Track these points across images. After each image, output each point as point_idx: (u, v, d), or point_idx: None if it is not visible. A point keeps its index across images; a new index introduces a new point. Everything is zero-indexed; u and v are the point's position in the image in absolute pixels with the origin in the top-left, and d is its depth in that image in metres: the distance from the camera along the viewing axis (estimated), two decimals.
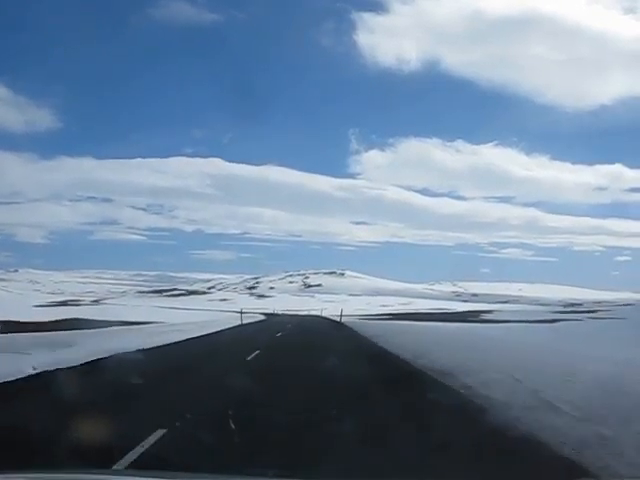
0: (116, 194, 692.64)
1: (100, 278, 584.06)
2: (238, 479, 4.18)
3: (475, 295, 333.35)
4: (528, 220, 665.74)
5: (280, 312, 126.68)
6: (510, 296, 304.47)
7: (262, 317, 74.40)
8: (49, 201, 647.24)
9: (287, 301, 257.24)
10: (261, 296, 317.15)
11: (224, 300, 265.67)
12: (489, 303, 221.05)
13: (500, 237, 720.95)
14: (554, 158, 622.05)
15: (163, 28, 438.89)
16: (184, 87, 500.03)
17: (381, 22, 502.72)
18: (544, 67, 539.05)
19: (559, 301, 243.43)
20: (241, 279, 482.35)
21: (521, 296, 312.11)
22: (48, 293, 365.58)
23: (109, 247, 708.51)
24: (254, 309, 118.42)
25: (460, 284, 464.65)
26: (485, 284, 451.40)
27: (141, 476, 3.77)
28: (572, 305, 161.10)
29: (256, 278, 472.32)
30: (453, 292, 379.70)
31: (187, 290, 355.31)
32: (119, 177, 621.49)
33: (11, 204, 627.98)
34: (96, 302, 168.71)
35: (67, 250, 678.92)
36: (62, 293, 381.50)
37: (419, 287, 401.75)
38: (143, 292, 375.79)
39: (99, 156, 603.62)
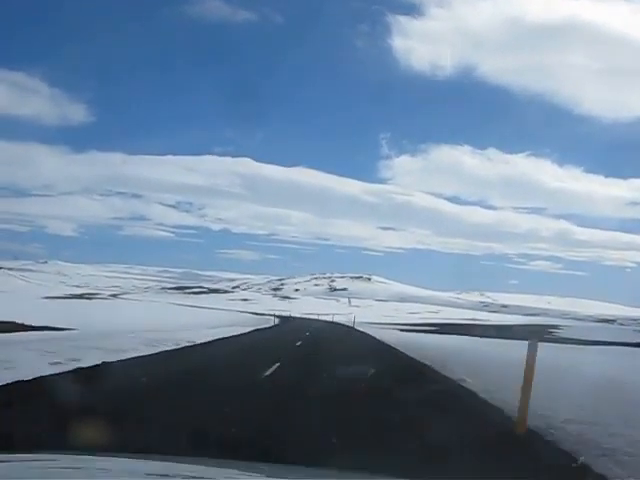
0: (146, 190, 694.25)
1: (127, 273, 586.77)
2: (239, 464, 4.24)
3: (504, 306, 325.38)
4: (558, 232, 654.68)
5: (299, 316, 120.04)
6: (540, 309, 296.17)
7: (269, 324, 58.64)
8: (80, 194, 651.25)
9: (311, 304, 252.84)
10: (285, 297, 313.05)
11: (245, 300, 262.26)
12: (518, 315, 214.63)
13: (529, 249, 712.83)
14: (587, 170, 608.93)
15: (197, 25, 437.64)
16: (216, 85, 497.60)
17: (417, 26, 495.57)
18: (582, 76, 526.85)
19: (590, 316, 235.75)
20: (266, 280, 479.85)
21: (550, 309, 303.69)
22: (73, 286, 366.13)
23: (137, 243, 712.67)
24: (271, 311, 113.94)
25: (488, 294, 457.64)
26: (513, 295, 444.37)
27: (145, 459, 3.63)
28: (607, 321, 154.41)
29: (281, 279, 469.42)
30: (481, 302, 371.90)
31: (209, 288, 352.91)
32: (149, 173, 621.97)
33: (43, 196, 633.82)
34: (114, 296, 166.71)
35: (96, 244, 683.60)
36: (87, 286, 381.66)
37: (446, 295, 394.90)
38: (165, 288, 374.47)
39: (130, 151, 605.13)
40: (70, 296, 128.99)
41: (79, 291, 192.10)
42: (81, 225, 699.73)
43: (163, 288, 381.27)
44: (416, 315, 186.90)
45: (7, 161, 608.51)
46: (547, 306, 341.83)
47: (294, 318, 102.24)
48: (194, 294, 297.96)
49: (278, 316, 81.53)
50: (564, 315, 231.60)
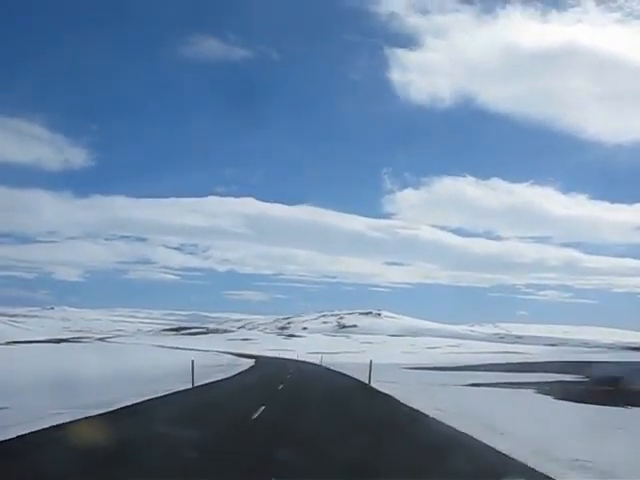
0: (150, 233, 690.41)
1: (134, 317, 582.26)
2: None
3: (519, 337, 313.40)
4: (566, 261, 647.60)
5: (294, 358, 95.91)
6: (558, 339, 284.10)
7: (231, 372, 42.16)
8: (85, 239, 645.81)
9: (319, 342, 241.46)
10: (290, 336, 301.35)
11: (246, 340, 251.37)
12: (535, 345, 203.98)
13: (537, 278, 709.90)
14: (592, 197, 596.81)
15: (194, 65, 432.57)
16: (216, 125, 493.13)
17: (414, 58, 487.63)
18: (583, 101, 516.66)
19: (612, 344, 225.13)
20: (273, 319, 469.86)
21: (568, 338, 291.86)
22: (75, 330, 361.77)
23: (143, 286, 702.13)
24: (272, 351, 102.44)
25: (502, 325, 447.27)
26: (524, 326, 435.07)
27: None
28: (634, 349, 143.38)
29: (288, 318, 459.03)
30: (495, 334, 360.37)
31: (208, 329, 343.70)
32: (153, 216, 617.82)
33: (48, 242, 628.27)
34: (102, 340, 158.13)
35: (102, 289, 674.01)
36: (90, 331, 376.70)
37: (459, 328, 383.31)
38: (162, 330, 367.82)
39: (133, 195, 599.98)
40: (47, 340, 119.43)
41: (70, 335, 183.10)
42: (87, 270, 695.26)
43: (160, 330, 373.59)
44: (437, 350, 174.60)
45: (11, 208, 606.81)
46: (564, 336, 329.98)
47: (283, 360, 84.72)
48: (191, 335, 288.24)
49: (256, 357, 69.67)
50: (585, 344, 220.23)
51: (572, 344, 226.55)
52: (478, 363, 75.35)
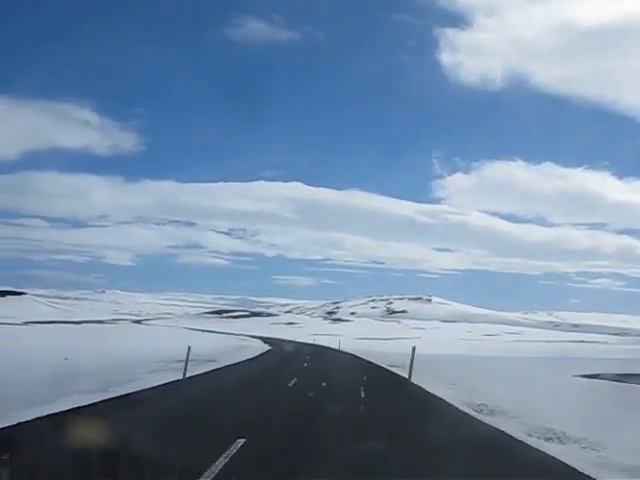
0: (199, 218, 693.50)
1: (183, 301, 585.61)
2: None
3: (576, 325, 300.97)
4: (621, 248, 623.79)
5: (341, 348, 67.10)
6: (616, 328, 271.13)
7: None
8: (135, 224, 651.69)
9: (368, 327, 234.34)
10: (337, 320, 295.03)
11: (290, 324, 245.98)
12: (597, 334, 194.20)
13: (590, 266, 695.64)
14: None
15: (240, 48, 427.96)
16: (263, 109, 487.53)
17: (465, 38, 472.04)
18: None
19: None
20: (321, 304, 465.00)
21: (628, 328, 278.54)
22: (123, 313, 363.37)
23: (193, 270, 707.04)
24: (314, 336, 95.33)
25: (556, 313, 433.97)
26: (578, 314, 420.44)
27: None
28: None
29: (336, 303, 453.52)
30: (549, 322, 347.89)
31: (251, 312, 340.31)
32: (201, 201, 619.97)
33: (100, 227, 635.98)
34: (138, 322, 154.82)
35: (153, 272, 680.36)
36: (138, 314, 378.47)
37: (512, 315, 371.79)
38: (206, 313, 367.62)
39: (182, 179, 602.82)
40: (68, 322, 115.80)
41: (112, 317, 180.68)
42: (137, 254, 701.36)
43: (203, 313, 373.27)
44: (498, 338, 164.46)
45: (64, 193, 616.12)
46: (623, 325, 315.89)
47: (314, 349, 62.88)
48: (233, 318, 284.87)
49: (278, 343, 58.17)
50: None
51: (635, 334, 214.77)
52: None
